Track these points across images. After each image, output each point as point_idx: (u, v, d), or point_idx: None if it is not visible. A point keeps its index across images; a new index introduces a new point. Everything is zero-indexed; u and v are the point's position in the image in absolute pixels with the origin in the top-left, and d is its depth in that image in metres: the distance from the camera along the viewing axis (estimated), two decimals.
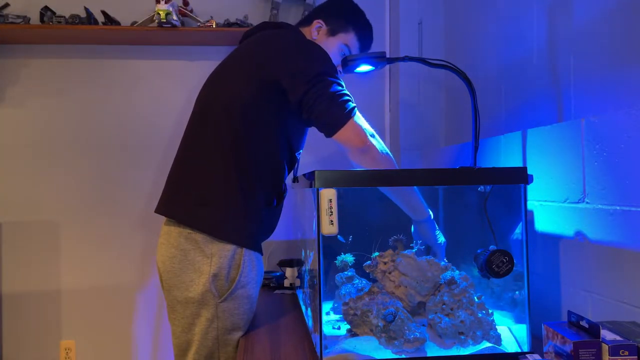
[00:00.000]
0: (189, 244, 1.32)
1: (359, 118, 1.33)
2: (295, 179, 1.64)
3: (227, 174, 1.32)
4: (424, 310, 1.27)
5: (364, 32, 1.57)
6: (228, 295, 1.31)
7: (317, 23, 1.55)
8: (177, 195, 1.38)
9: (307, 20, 1.59)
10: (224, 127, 1.33)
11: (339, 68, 1.48)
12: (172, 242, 1.34)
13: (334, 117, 1.28)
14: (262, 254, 1.41)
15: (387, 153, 1.36)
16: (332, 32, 1.53)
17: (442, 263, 1.31)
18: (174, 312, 1.36)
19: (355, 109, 1.32)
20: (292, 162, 1.48)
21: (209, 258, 1.30)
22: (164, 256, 1.36)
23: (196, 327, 1.32)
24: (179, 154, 1.44)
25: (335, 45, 1.53)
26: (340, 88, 1.32)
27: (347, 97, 1.31)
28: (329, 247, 1.39)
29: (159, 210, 1.41)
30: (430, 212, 1.39)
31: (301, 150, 1.52)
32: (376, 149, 1.32)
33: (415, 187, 1.34)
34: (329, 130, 1.31)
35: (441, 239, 1.41)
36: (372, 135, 1.34)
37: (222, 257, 1.30)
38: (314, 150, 2.36)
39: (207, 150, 1.35)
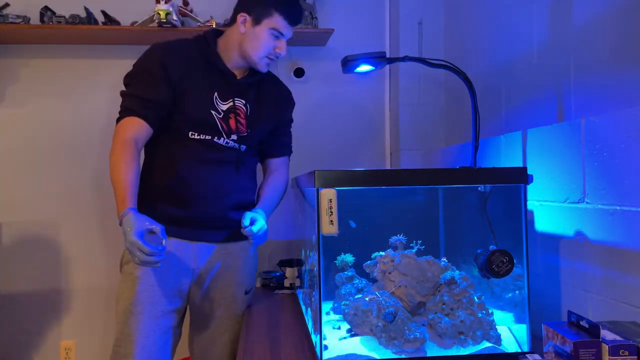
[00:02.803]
0: None
1: (129, 122, 1.50)
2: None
3: None
4: (424, 310, 1.27)
5: (288, 9, 1.56)
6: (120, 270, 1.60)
7: (242, 16, 1.56)
8: None
9: (232, 18, 1.61)
10: None
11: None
12: None
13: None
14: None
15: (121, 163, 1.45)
16: (257, 21, 1.54)
17: (442, 263, 1.31)
18: None
19: (130, 112, 1.50)
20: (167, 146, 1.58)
21: None
22: None
23: None
24: None
25: (263, 33, 1.54)
26: (128, 91, 1.54)
27: (126, 103, 1.52)
28: (328, 247, 1.39)
29: None
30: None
31: (194, 133, 1.57)
32: (112, 153, 1.46)
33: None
34: None
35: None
36: (136, 141, 1.48)
37: None
38: (314, 149, 2.36)
39: None
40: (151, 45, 1.59)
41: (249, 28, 1.55)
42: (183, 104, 1.55)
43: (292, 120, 1.80)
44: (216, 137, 1.57)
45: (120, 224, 1.34)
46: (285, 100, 1.76)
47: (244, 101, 1.62)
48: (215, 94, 1.58)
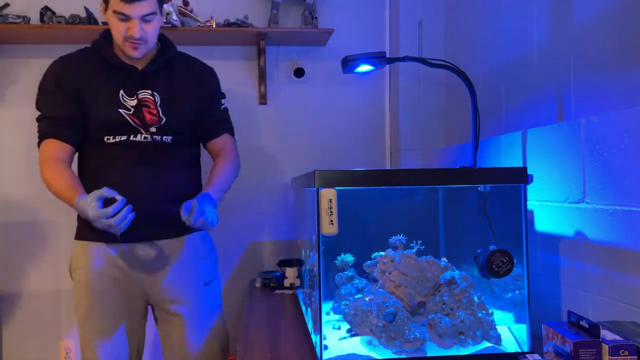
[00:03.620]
0: None
1: (47, 144, 1.54)
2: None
3: None
4: (424, 310, 1.27)
5: None
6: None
7: (101, 6, 1.55)
8: None
9: None
10: None
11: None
12: None
13: None
14: (98, 242, 1.56)
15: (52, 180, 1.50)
16: (106, 7, 1.54)
17: (442, 263, 1.31)
18: None
19: (46, 134, 1.54)
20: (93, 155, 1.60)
21: None
22: None
23: None
24: None
25: (112, 18, 1.51)
26: (39, 116, 1.57)
27: (40, 127, 1.56)
28: (328, 247, 1.39)
29: None
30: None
31: (109, 137, 1.56)
32: (41, 175, 1.52)
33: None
34: None
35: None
36: (58, 159, 1.52)
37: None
38: (314, 149, 2.36)
39: None
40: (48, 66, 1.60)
41: (105, 16, 1.55)
42: (90, 111, 1.54)
43: (222, 96, 1.74)
44: (132, 136, 1.55)
45: (81, 214, 1.39)
46: (203, 78, 1.70)
47: (150, 91, 1.57)
48: (121, 92, 1.56)
